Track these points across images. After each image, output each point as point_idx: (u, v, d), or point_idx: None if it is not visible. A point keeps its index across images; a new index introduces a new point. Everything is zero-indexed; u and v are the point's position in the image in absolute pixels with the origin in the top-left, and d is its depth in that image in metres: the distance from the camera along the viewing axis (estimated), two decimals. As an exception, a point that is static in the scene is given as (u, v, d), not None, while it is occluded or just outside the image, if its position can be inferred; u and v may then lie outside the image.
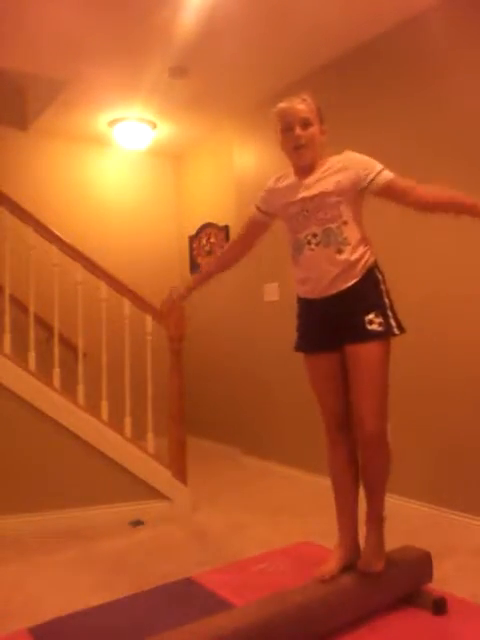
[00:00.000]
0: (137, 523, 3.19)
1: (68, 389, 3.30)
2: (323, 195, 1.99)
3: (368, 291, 1.99)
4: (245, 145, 4.65)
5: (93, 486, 3.22)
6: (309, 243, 2.01)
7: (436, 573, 2.16)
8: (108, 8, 3.15)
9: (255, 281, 4.47)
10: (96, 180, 5.31)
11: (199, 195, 5.48)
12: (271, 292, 4.29)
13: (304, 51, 3.66)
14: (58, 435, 3.17)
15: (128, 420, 3.40)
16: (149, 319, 3.45)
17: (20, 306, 3.65)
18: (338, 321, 2.00)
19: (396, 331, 1.99)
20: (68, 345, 3.87)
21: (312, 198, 2.00)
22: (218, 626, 1.71)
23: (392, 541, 2.12)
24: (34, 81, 4.18)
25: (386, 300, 2.01)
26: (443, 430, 3.12)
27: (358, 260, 1.99)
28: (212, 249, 5.20)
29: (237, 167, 4.74)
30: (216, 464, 4.61)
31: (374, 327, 1.95)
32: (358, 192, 2.00)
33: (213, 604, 2.06)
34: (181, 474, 3.39)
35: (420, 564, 2.13)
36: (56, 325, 3.40)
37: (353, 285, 1.98)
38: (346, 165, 2.00)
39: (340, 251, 1.98)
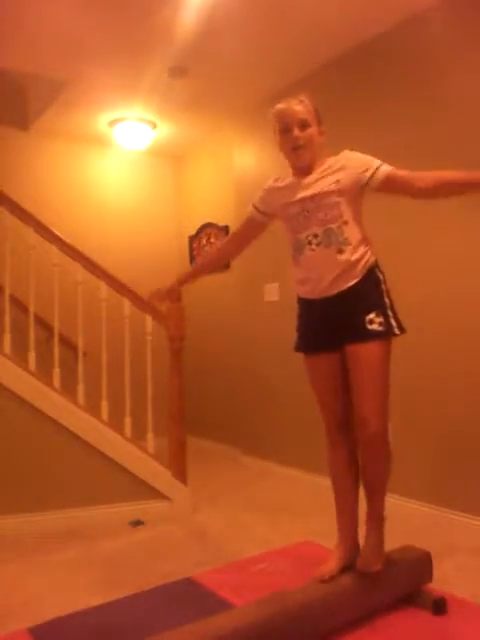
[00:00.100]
0: (137, 523, 3.19)
1: (68, 389, 3.30)
2: (323, 195, 1.99)
3: (369, 291, 1.99)
4: (245, 145, 4.65)
5: (93, 486, 3.22)
6: (310, 243, 2.02)
7: (436, 573, 2.16)
8: (108, 8, 3.15)
9: (255, 281, 4.47)
10: (96, 180, 5.31)
11: (199, 195, 5.48)
12: (271, 292, 4.29)
13: (304, 51, 3.66)
14: (58, 435, 3.17)
15: (128, 420, 3.40)
16: (149, 319, 3.45)
17: (20, 306, 3.65)
18: (338, 321, 2.00)
19: (396, 331, 1.99)
20: (68, 345, 3.86)
21: (312, 198, 2.00)
22: (218, 626, 1.71)
23: (392, 541, 2.12)
24: (35, 81, 4.18)
25: (386, 300, 2.01)
26: (443, 430, 3.12)
27: (359, 260, 1.99)
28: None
29: (237, 167, 4.74)
30: (216, 464, 4.61)
31: (374, 327, 1.95)
32: (359, 190, 2.00)
33: (213, 604, 2.07)
34: (181, 474, 3.39)
35: (420, 564, 2.13)
36: (56, 325, 3.40)
37: (354, 285, 1.98)
38: (345, 164, 2.00)
39: (341, 251, 1.98)
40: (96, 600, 2.21)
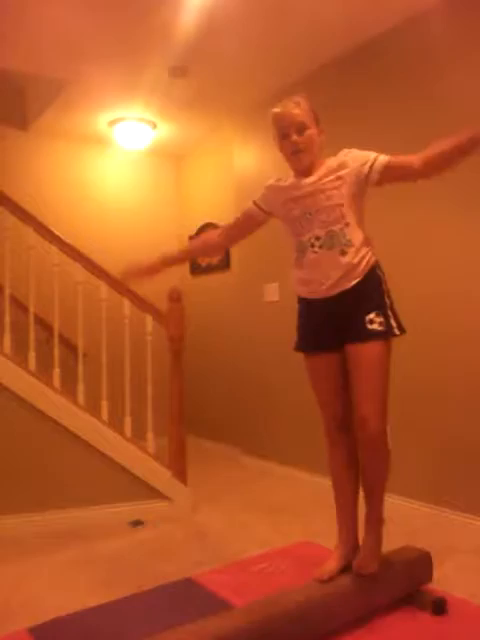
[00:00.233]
0: (137, 523, 3.19)
1: (68, 389, 3.30)
2: (324, 195, 1.98)
3: (369, 291, 1.99)
4: (245, 145, 4.65)
5: (93, 486, 3.22)
6: (312, 246, 2.01)
7: (436, 573, 2.16)
8: (108, 8, 3.15)
9: (255, 281, 4.47)
10: (96, 180, 5.31)
11: (199, 195, 5.48)
12: (271, 292, 4.29)
13: (304, 50, 3.66)
14: (58, 435, 3.17)
15: (128, 420, 3.40)
16: (149, 319, 3.45)
17: (20, 306, 3.64)
18: (339, 321, 2.00)
19: (396, 331, 1.99)
20: (68, 345, 3.86)
21: (313, 198, 2.00)
22: (218, 626, 1.71)
23: (392, 541, 2.12)
24: (34, 81, 4.19)
25: (387, 300, 2.01)
26: (443, 430, 3.12)
27: (361, 261, 1.98)
28: (212, 249, 5.19)
29: (237, 167, 4.74)
30: (216, 464, 4.61)
31: (374, 327, 1.95)
32: (360, 187, 1.99)
33: (213, 604, 2.06)
34: (181, 474, 3.38)
35: (420, 564, 2.13)
36: (56, 325, 3.40)
37: (355, 285, 1.98)
38: (344, 161, 2.01)
39: (344, 253, 1.97)
40: (96, 600, 2.20)
